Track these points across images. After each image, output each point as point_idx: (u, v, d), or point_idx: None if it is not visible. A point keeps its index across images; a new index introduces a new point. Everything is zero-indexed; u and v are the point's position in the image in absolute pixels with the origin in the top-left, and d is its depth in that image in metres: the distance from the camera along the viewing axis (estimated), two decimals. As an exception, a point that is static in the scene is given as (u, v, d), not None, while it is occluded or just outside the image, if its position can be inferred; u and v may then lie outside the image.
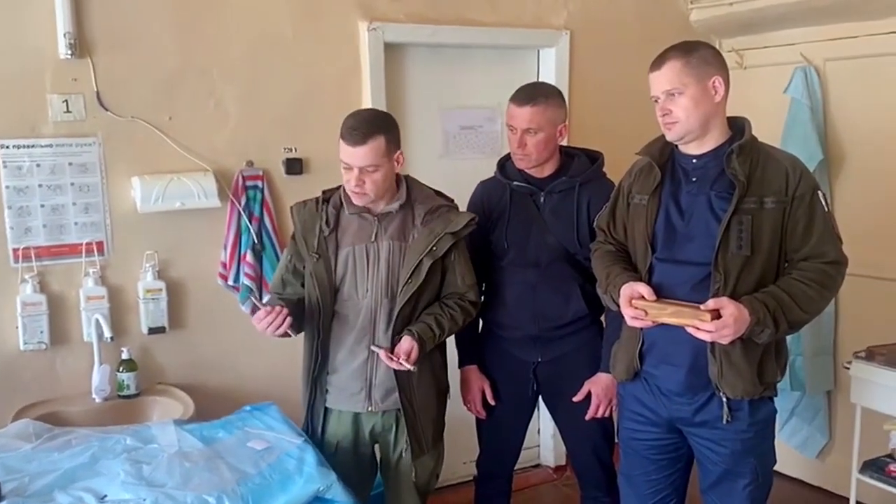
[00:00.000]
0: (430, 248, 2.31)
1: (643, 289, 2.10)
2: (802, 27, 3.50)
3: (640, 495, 2.37)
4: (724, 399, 2.13)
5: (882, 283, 3.30)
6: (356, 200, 2.31)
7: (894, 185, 3.30)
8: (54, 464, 2.12)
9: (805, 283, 2.06)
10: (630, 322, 2.15)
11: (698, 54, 2.08)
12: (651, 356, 2.22)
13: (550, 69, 3.56)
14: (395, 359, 2.25)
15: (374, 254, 2.33)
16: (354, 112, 2.36)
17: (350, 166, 2.25)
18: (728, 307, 1.98)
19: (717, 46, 3.64)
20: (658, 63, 2.11)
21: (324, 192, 2.43)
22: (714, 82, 2.08)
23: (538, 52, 3.60)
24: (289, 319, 2.23)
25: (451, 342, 2.67)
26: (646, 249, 2.19)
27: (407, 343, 2.27)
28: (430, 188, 2.47)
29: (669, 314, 2.05)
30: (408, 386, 2.36)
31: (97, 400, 2.71)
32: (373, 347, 2.31)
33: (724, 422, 2.14)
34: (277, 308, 2.23)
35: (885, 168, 3.32)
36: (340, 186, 2.40)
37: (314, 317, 2.36)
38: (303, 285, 2.40)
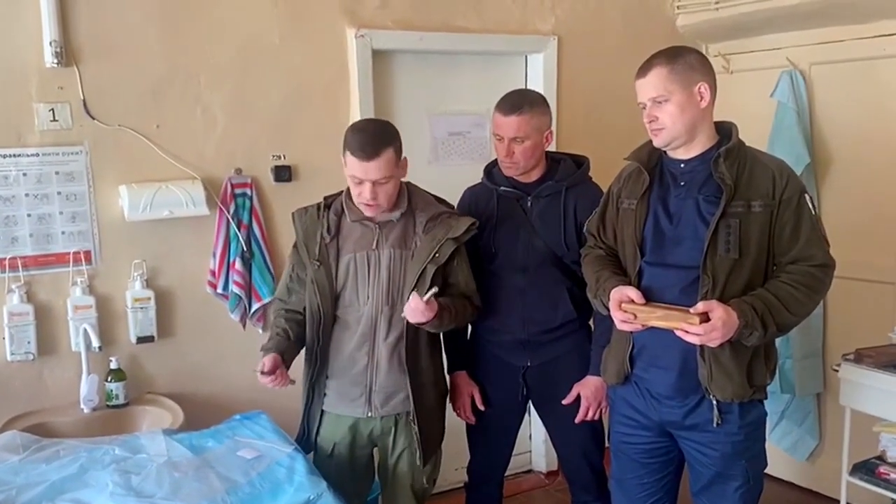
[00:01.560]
0: (433, 255, 2.32)
1: (632, 292, 2.11)
2: (788, 31, 3.52)
3: (631, 499, 2.37)
4: (714, 402, 2.13)
5: (869, 285, 3.32)
6: (369, 213, 2.32)
7: (881, 188, 3.32)
8: (42, 475, 2.11)
9: (793, 286, 2.07)
10: (620, 326, 2.15)
11: (683, 61, 2.08)
12: (641, 360, 2.23)
13: (538, 74, 3.57)
14: (422, 298, 2.20)
15: (376, 261, 2.33)
16: (359, 125, 2.35)
17: (362, 180, 2.24)
18: (717, 310, 1.98)
19: (704, 51, 3.68)
20: (644, 70, 2.12)
21: (325, 199, 2.43)
22: (700, 88, 2.08)
23: (526, 57, 3.61)
24: (287, 377, 2.32)
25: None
26: (635, 253, 2.19)
27: (423, 302, 2.21)
28: (431, 194, 2.47)
29: (658, 317, 2.05)
30: (419, 392, 2.36)
31: (85, 410, 2.70)
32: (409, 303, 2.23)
33: (715, 425, 2.14)
34: (279, 371, 2.28)
35: (871, 171, 3.34)
36: (342, 192, 2.40)
37: (314, 323, 2.37)
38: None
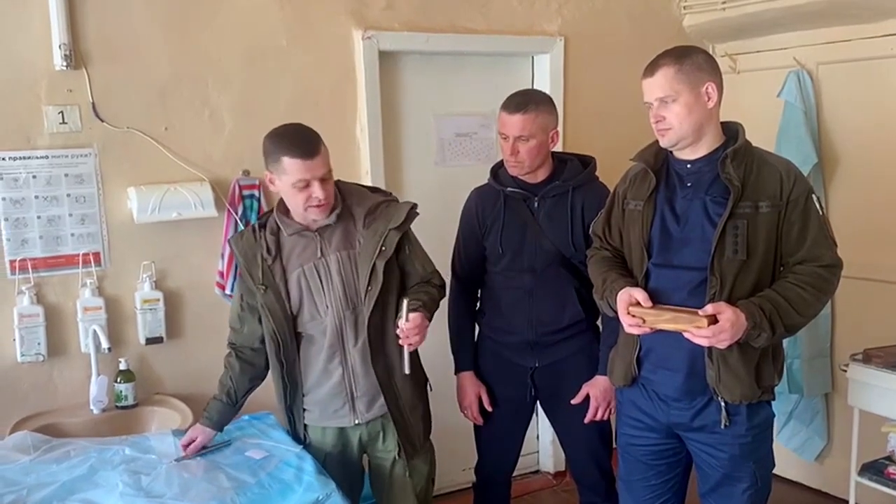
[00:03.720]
0: (378, 249, 2.25)
1: (639, 294, 2.09)
2: (795, 31, 3.52)
3: (638, 500, 2.37)
4: (722, 403, 2.13)
5: (877, 285, 3.31)
6: (320, 215, 2.23)
7: (888, 188, 3.31)
8: (53, 476, 2.12)
9: (801, 287, 2.06)
10: (628, 329, 2.14)
11: (690, 60, 2.08)
12: (648, 362, 2.22)
13: (545, 75, 3.58)
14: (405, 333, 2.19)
15: (325, 269, 2.26)
16: (281, 131, 2.25)
17: (308, 182, 2.16)
18: (725, 311, 1.98)
19: (711, 51, 3.68)
20: (650, 70, 2.11)
21: (259, 219, 2.39)
22: (707, 88, 2.08)
23: (532, 58, 3.61)
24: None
25: (440, 343, 2.68)
26: (642, 255, 2.19)
27: (420, 317, 2.20)
28: (364, 186, 2.43)
29: (666, 320, 2.04)
30: (391, 390, 2.31)
31: (95, 411, 2.70)
32: (400, 324, 2.20)
33: (723, 426, 2.14)
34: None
35: (878, 170, 3.34)
36: (272, 211, 2.34)
37: (274, 348, 2.31)
38: (260, 321, 2.33)
